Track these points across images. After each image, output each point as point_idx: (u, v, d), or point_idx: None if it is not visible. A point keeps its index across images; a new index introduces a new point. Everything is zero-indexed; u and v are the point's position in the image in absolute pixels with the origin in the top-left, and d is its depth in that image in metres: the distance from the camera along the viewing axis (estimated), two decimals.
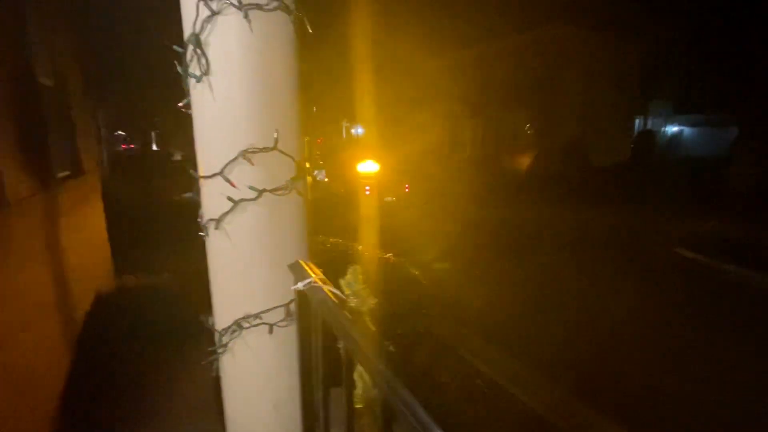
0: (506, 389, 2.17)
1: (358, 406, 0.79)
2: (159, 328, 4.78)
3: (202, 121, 0.81)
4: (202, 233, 0.99)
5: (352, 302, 0.87)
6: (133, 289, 5.33)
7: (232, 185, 0.81)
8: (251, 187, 0.82)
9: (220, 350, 0.93)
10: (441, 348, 2.63)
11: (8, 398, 1.56)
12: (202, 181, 0.85)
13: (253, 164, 0.81)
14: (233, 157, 0.80)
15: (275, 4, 0.77)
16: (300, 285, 0.77)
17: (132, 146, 18.24)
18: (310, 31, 0.86)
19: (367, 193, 6.61)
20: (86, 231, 4.39)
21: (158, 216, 10.36)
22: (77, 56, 4.57)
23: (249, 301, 0.88)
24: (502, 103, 14.52)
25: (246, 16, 0.74)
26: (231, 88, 0.78)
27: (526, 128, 14.31)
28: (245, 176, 0.82)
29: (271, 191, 0.84)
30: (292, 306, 0.91)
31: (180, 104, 0.88)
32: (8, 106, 2.66)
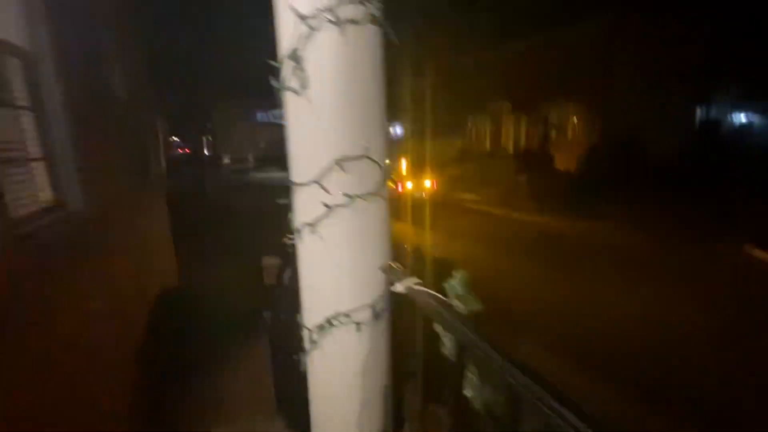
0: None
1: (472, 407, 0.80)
2: (219, 323, 5.09)
3: (298, 132, 0.87)
4: (290, 236, 1.05)
5: (458, 305, 0.88)
6: (193, 285, 5.70)
7: (327, 192, 0.85)
8: (345, 194, 0.86)
9: (309, 346, 0.98)
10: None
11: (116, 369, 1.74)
12: (296, 188, 0.90)
13: (345, 172, 0.85)
14: (328, 165, 0.84)
15: (368, 18, 0.80)
16: (399, 286, 0.80)
17: (187, 150, 19.49)
18: (397, 42, 0.89)
19: (399, 190, 6.86)
20: (155, 230, 4.75)
21: (213, 217, 10.99)
22: (143, 67, 4.93)
23: (339, 301, 0.93)
24: (548, 97, 13.96)
25: (343, 31, 0.78)
26: (327, 99, 0.82)
27: (574, 122, 13.66)
28: (338, 183, 0.86)
29: (361, 197, 0.87)
30: (378, 306, 0.95)
31: (277, 112, 0.95)
32: (94, 118, 2.92)
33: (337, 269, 0.91)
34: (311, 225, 0.88)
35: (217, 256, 7.56)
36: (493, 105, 15.11)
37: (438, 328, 0.78)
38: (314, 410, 1.10)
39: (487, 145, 15.64)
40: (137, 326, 3.36)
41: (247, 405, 3.86)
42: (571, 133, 14.68)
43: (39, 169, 2.37)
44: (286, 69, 0.83)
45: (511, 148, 14.95)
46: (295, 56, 0.80)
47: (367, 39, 0.82)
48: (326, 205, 0.86)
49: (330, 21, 0.77)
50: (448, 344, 0.76)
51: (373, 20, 0.82)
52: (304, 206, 0.90)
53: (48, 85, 2.44)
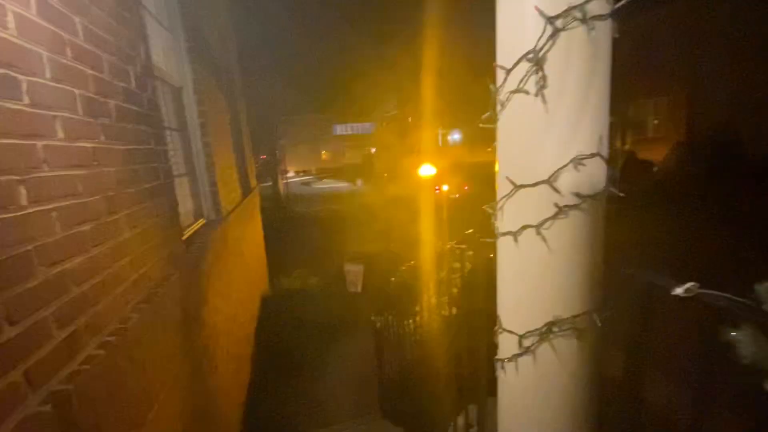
0: None
1: None
2: (309, 325, 5.30)
3: (526, 134, 0.86)
4: (489, 239, 1.05)
5: None
6: (285, 290, 6.03)
7: (558, 193, 0.84)
8: (576, 194, 0.84)
9: (517, 352, 0.96)
10: None
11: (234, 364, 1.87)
12: (513, 191, 0.89)
13: (578, 171, 0.83)
14: (562, 165, 0.83)
15: (608, 12, 0.78)
16: (679, 289, 0.75)
17: (263, 157, 20.91)
18: (616, 36, 0.85)
19: (437, 192, 7.22)
20: (255, 239, 5.09)
21: (293, 224, 11.58)
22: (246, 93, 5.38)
23: (560, 306, 0.90)
24: (625, 92, 12.93)
25: (587, 28, 0.77)
26: (566, 98, 0.81)
27: (652, 118, 12.50)
28: (569, 183, 0.84)
29: (591, 196, 0.85)
30: (599, 312, 0.91)
31: (482, 117, 0.96)
32: (220, 139, 3.21)
33: (560, 272, 0.88)
34: (536, 227, 0.87)
35: (299, 256, 7.95)
36: None
37: (740, 334, 0.72)
38: (507, 417, 1.08)
39: None
40: (250, 326, 3.60)
41: (347, 406, 3.97)
42: (654, 129, 13.46)
43: (184, 183, 2.65)
44: (518, 72, 0.83)
45: None
46: (536, 57, 0.79)
47: (605, 32, 0.80)
48: (556, 206, 0.84)
49: (577, 19, 0.76)
50: (749, 353, 0.70)
51: (610, 14, 0.79)
52: (527, 208, 0.88)
53: (190, 109, 2.74)
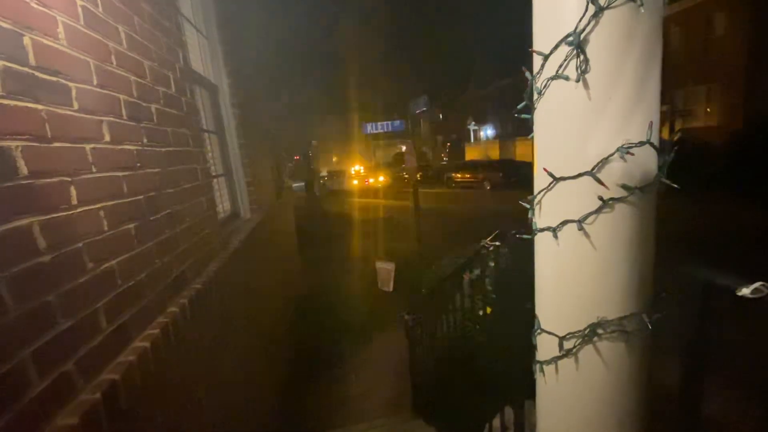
0: None
1: None
2: (341, 322, 5.36)
3: (567, 122, 0.81)
4: (525, 236, 1.00)
5: None
6: (317, 287, 6.14)
7: (603, 185, 0.78)
8: (623, 186, 0.77)
9: (560, 354, 0.91)
10: None
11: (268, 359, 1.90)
12: (555, 183, 0.84)
13: (625, 161, 0.77)
14: (607, 155, 0.77)
15: None
16: (746, 290, 0.68)
17: (297, 157, 21.46)
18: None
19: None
20: (288, 237, 5.22)
21: (326, 223, 11.80)
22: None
23: (605, 306, 0.84)
24: (672, 80, 12.13)
25: (639, 4, 0.71)
26: (610, 84, 0.75)
27: (703, 105, 11.66)
28: (615, 174, 0.78)
29: (640, 188, 0.78)
30: (649, 313, 0.84)
31: (518, 107, 0.91)
32: (255, 140, 3.28)
33: (605, 270, 0.82)
34: (577, 222, 0.82)
35: (332, 254, 8.08)
36: None
37: None
38: (546, 422, 1.03)
39: None
40: (287, 324, 3.69)
41: (379, 403, 3.98)
42: (703, 118, 12.57)
43: (221, 183, 2.74)
44: (557, 57, 0.78)
45: None
46: (578, 40, 0.74)
47: (654, 10, 0.73)
48: (601, 199, 0.78)
49: None
50: None
51: None
52: (568, 201, 0.83)
53: (226, 112, 2.84)
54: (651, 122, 0.77)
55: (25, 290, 0.81)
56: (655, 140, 0.78)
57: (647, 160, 0.79)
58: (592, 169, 0.78)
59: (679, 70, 11.94)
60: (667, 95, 12.24)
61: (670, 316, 0.90)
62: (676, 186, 0.81)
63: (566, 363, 0.92)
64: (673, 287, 0.90)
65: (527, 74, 0.87)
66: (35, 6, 0.94)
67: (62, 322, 0.90)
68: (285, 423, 3.21)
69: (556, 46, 0.78)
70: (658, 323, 0.84)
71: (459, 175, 19.17)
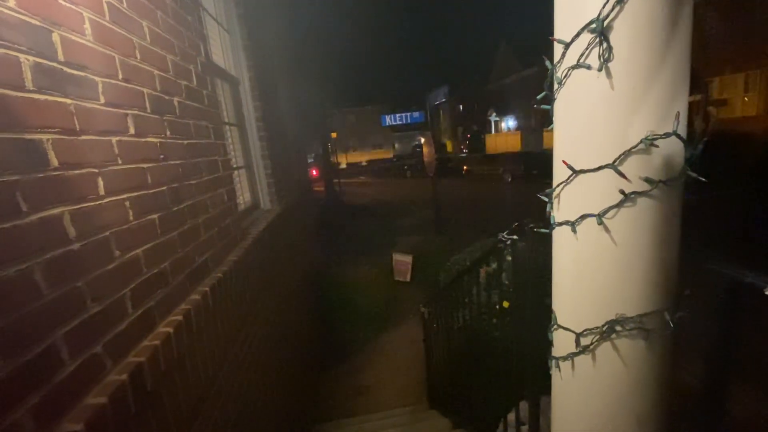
0: None
1: None
2: (359, 312, 5.42)
3: (588, 113, 0.78)
4: (543, 230, 0.98)
5: None
6: (335, 278, 6.21)
7: (625, 178, 0.75)
8: (647, 179, 0.75)
9: (577, 351, 0.90)
10: None
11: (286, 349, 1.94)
12: (575, 175, 0.82)
13: (649, 153, 0.74)
14: (630, 146, 0.74)
15: None
16: None
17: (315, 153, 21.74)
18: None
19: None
20: (308, 228, 5.28)
21: (344, 215, 11.91)
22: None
23: (625, 303, 0.82)
24: (706, 69, 11.54)
25: None
26: (635, 72, 0.72)
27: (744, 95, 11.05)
28: (638, 166, 0.75)
29: (665, 182, 0.75)
30: (672, 311, 0.81)
31: (537, 98, 0.89)
32: (276, 133, 3.31)
33: (625, 266, 0.80)
34: (597, 216, 0.79)
35: (350, 245, 8.15)
36: None
37: None
38: (562, 419, 1.02)
39: None
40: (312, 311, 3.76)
41: (395, 394, 4.02)
42: (740, 108, 11.93)
43: (242, 175, 2.79)
44: (579, 45, 0.76)
45: None
46: (598, 28, 0.71)
47: None
48: (622, 193, 0.76)
49: None
50: None
51: None
52: (587, 195, 0.81)
53: (247, 105, 2.87)
54: (678, 112, 0.73)
55: (57, 276, 0.86)
56: (681, 131, 0.74)
57: (673, 152, 0.75)
58: (614, 161, 0.76)
59: (714, 57, 11.33)
60: (699, 84, 11.67)
61: (695, 314, 0.87)
62: (703, 179, 0.77)
63: (583, 360, 0.90)
64: (697, 284, 0.87)
65: (547, 63, 0.85)
66: (63, 3, 0.98)
67: (92, 307, 0.95)
68: (301, 410, 3.29)
69: (578, 34, 0.75)
70: (682, 322, 0.81)
71: (478, 167, 18.91)
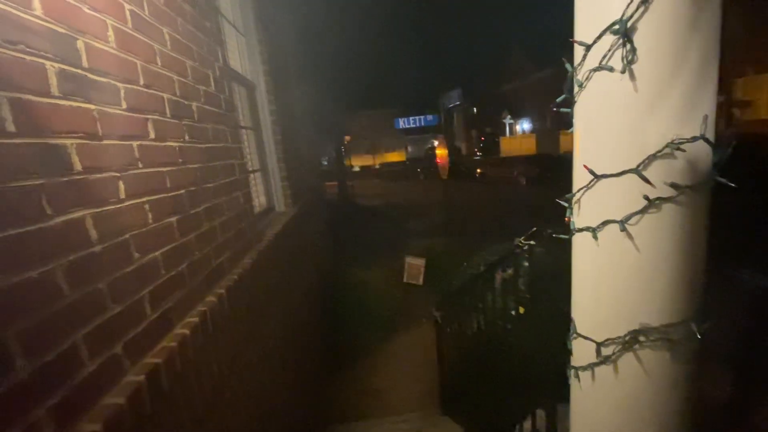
0: None
1: None
2: (371, 315, 5.41)
3: (610, 116, 0.76)
4: (562, 236, 0.96)
5: None
6: (348, 281, 6.23)
7: (649, 183, 0.73)
8: (672, 184, 0.72)
9: (598, 361, 0.87)
10: None
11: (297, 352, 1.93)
12: (596, 180, 0.80)
13: (675, 158, 0.72)
14: (654, 151, 0.72)
15: None
16: None
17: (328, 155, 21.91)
18: None
19: None
20: (320, 231, 5.31)
21: (357, 217, 11.95)
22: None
23: (648, 313, 0.79)
24: (728, 69, 11.18)
25: None
26: (660, 74, 0.70)
27: None
28: (663, 171, 0.73)
29: (691, 187, 0.72)
30: (698, 322, 0.78)
31: (557, 100, 0.87)
32: (291, 136, 3.34)
33: (649, 274, 0.77)
34: (619, 222, 0.77)
35: (362, 248, 8.17)
36: None
37: None
38: (580, 427, 0.99)
39: None
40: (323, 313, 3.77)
41: (406, 398, 4.00)
42: (766, 110, 11.51)
43: (257, 178, 2.82)
44: (601, 47, 0.74)
45: None
46: (621, 29, 0.69)
47: None
48: (646, 199, 0.74)
49: None
50: None
51: None
52: (609, 200, 0.79)
53: (263, 108, 2.91)
54: (706, 115, 0.71)
55: (79, 278, 0.88)
56: (710, 135, 0.72)
57: (700, 157, 0.73)
58: (638, 166, 0.73)
59: (738, 57, 10.98)
60: (723, 85, 11.33)
61: (721, 323, 0.84)
62: (732, 185, 0.74)
63: (604, 370, 0.87)
64: (725, 292, 0.84)
65: (567, 66, 0.83)
66: (87, 11, 1.00)
67: (112, 308, 0.97)
68: (312, 411, 3.30)
69: (600, 35, 0.74)
70: (708, 332, 0.78)
71: (492, 170, 18.75)
